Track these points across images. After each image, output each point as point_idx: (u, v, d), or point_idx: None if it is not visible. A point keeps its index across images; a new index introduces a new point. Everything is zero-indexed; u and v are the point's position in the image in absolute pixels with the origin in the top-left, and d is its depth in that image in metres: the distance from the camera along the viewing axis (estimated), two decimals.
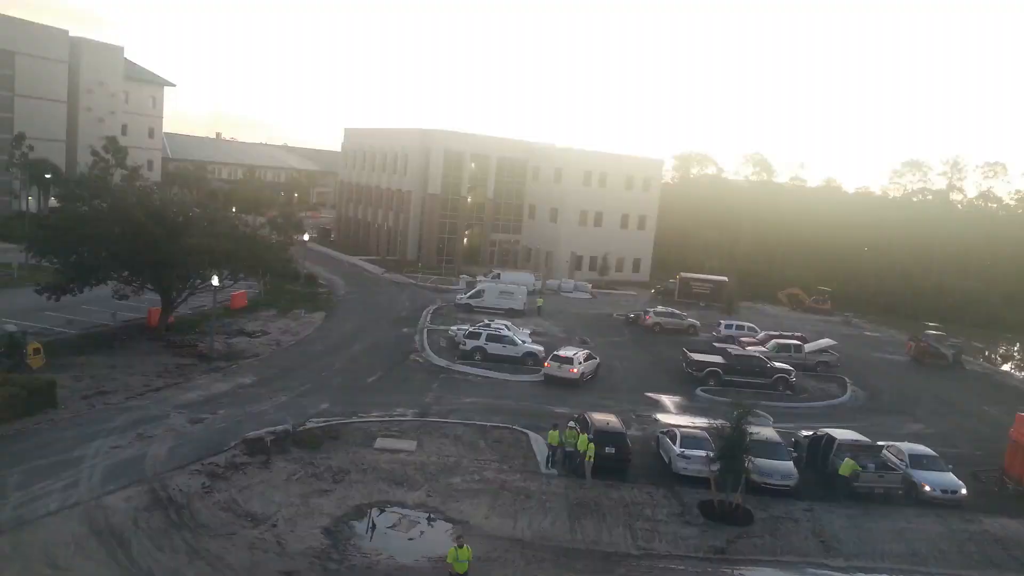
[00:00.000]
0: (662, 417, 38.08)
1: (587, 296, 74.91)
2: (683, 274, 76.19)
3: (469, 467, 28.96)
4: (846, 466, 29.08)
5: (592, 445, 28.63)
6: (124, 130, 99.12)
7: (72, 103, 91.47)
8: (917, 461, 31.43)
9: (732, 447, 26.58)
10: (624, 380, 45.06)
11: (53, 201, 75.69)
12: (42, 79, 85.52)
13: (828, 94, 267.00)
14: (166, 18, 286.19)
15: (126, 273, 42.26)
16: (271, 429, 29.28)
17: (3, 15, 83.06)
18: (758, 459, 28.69)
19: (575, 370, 41.52)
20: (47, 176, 76.00)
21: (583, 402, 38.54)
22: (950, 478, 30.64)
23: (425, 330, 52.02)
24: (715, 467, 27.45)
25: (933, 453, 32.13)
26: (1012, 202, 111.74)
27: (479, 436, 32.31)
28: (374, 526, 23.83)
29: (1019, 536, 27.73)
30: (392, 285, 71.25)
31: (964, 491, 30.13)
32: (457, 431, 32.63)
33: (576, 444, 29.21)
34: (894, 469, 30.53)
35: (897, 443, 33.38)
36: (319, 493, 25.68)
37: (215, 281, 40.53)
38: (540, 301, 61.70)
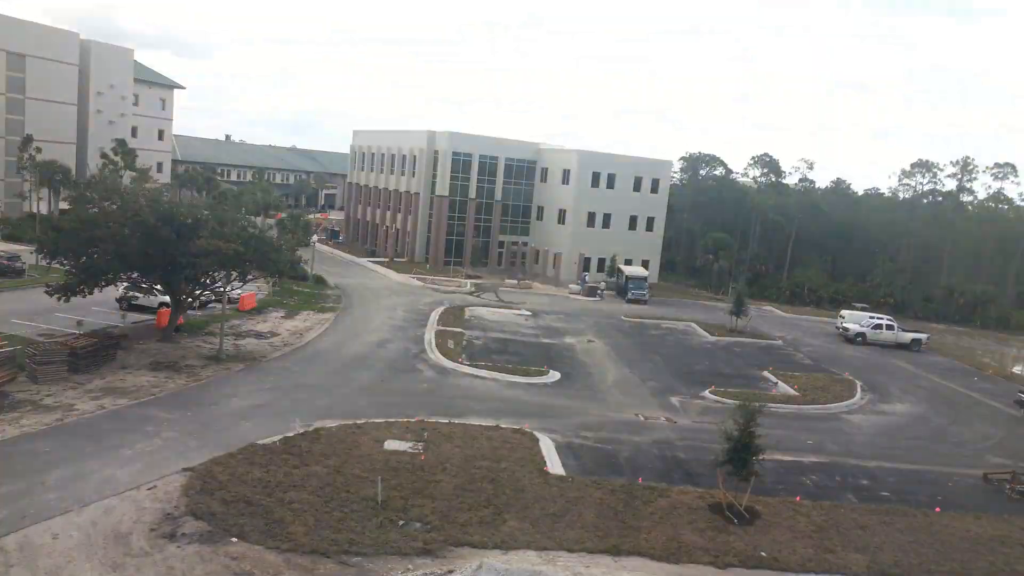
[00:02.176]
0: (665, 415, 38.11)
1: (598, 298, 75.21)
2: None
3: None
4: None
5: None
6: (134, 132, 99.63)
7: (82, 105, 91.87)
8: None
9: (741, 448, 26.51)
10: (631, 381, 45.04)
11: (63, 203, 76.13)
12: (52, 82, 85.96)
13: (838, 94, 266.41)
14: (176, 20, 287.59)
15: (135, 275, 42.47)
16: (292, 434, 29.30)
17: (14, 18, 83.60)
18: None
19: None
20: (57, 178, 76.35)
21: (589, 404, 38.78)
22: None
23: (434, 331, 52.07)
24: (724, 468, 27.41)
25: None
26: (1022, 203, 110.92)
27: (487, 437, 32.31)
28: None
29: None
30: (400, 286, 71.37)
31: None
32: (466, 432, 32.64)
33: None
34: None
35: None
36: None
37: (227, 283, 40.67)
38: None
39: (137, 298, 48.30)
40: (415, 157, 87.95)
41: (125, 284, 45.03)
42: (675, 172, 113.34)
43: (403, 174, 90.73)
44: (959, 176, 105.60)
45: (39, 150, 76.46)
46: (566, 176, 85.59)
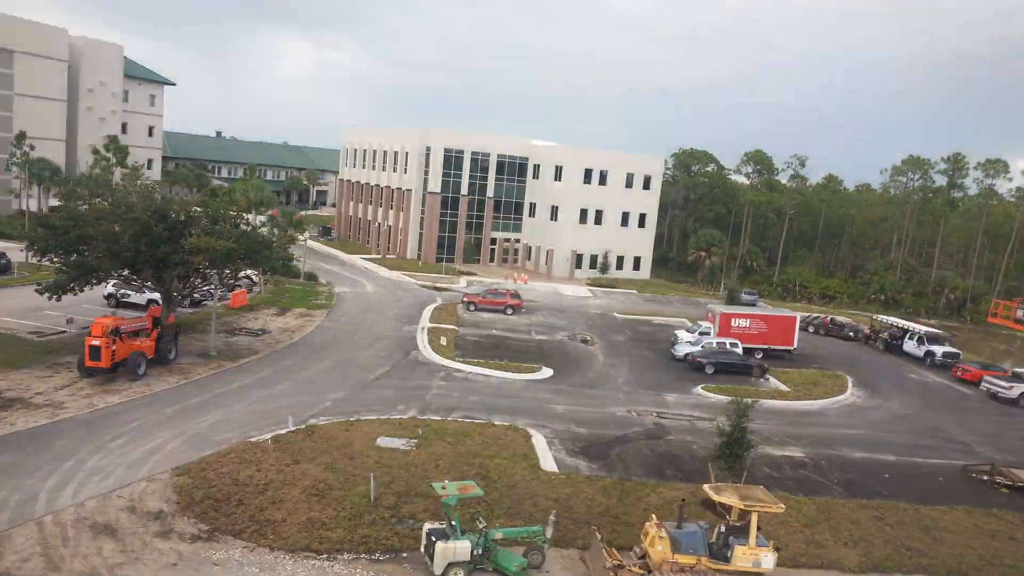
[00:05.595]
0: (657, 410, 38.20)
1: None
2: None
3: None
4: None
5: None
6: (124, 129, 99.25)
7: (72, 102, 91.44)
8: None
9: (732, 443, 26.66)
10: (624, 377, 45.12)
11: (54, 200, 75.75)
12: (42, 78, 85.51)
13: (830, 91, 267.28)
14: (166, 16, 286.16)
15: (127, 272, 42.25)
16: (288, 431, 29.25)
17: (2, 14, 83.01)
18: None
19: None
20: (47, 175, 75.91)
21: (581, 400, 38.82)
22: None
23: (426, 328, 52.02)
24: (716, 463, 27.54)
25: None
26: (1013, 199, 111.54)
27: (480, 434, 32.30)
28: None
29: None
30: (392, 283, 71.25)
31: None
32: (458, 428, 32.62)
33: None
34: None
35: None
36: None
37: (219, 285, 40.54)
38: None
39: (128, 295, 48.11)
40: (407, 154, 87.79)
41: (115, 281, 44.82)
42: (667, 169, 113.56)
43: (395, 171, 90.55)
44: (950, 172, 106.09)
45: (32, 147, 76.15)
46: (558, 172, 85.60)
